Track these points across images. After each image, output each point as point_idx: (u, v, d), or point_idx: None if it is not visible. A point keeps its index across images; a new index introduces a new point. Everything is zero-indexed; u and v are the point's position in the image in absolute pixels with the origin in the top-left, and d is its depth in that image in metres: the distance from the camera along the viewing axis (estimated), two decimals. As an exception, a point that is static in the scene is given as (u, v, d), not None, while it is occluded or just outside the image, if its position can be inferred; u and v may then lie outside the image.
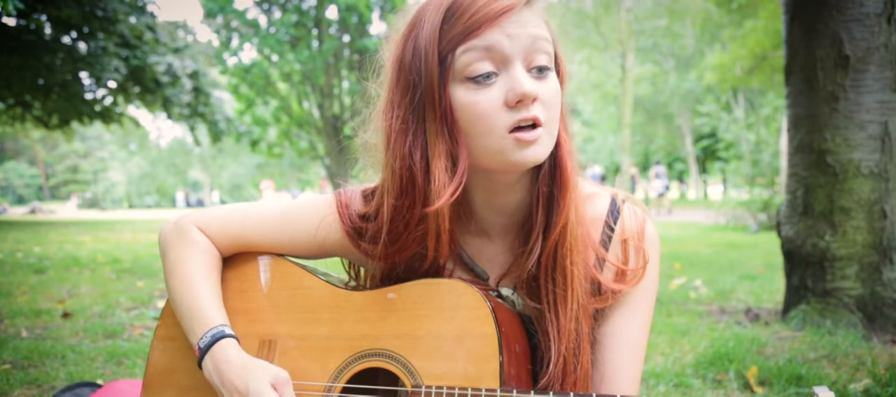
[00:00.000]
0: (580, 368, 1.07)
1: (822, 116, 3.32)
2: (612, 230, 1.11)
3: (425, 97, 0.97)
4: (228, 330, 1.11)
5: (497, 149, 0.97)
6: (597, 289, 1.10)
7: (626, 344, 1.11)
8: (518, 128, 0.96)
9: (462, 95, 0.96)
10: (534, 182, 1.07)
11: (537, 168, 1.04)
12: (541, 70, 0.97)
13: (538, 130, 0.96)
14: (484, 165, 1.02)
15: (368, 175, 1.17)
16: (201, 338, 1.09)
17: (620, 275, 1.10)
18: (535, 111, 0.95)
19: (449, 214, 1.03)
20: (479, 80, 0.95)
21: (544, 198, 1.05)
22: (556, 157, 1.04)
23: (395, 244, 1.07)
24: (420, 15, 0.99)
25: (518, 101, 0.94)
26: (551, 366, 1.05)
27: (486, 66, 0.95)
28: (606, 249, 1.11)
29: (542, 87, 0.97)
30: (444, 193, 0.97)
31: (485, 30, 0.93)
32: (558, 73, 1.03)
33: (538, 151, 0.97)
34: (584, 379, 1.07)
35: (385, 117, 1.03)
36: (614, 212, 1.12)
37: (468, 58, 0.94)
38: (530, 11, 0.97)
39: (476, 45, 0.94)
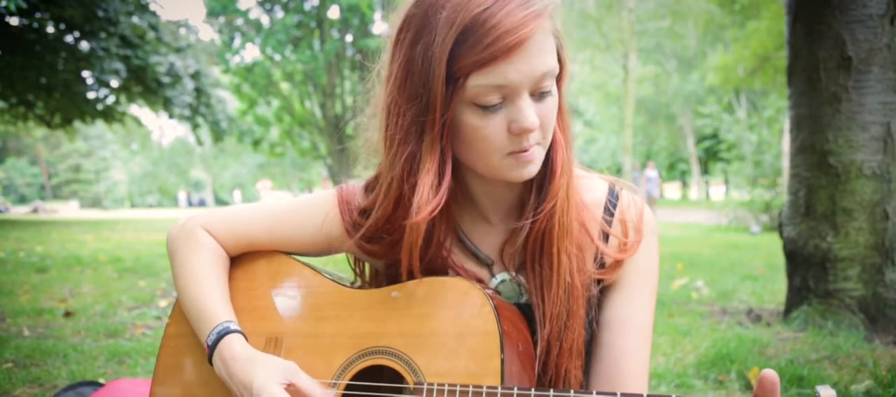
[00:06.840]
0: (562, 354, 1.09)
1: (825, 117, 3.32)
2: (612, 214, 1.15)
3: (428, 112, 0.99)
4: (234, 326, 1.12)
5: (495, 167, 1.01)
6: (600, 263, 1.13)
7: (633, 328, 1.13)
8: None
9: (467, 117, 0.98)
10: None
11: None
12: (544, 94, 0.99)
13: (534, 149, 1.00)
14: (480, 174, 1.06)
15: (369, 171, 1.19)
16: (208, 335, 1.11)
17: (622, 246, 1.13)
18: (533, 139, 0.99)
19: (441, 211, 1.04)
20: (487, 108, 0.97)
21: (536, 183, 1.09)
22: (548, 148, 1.06)
23: (383, 245, 1.12)
24: (432, 20, 0.96)
25: (520, 132, 0.97)
26: (538, 350, 1.08)
27: (494, 99, 0.96)
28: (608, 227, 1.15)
29: (542, 108, 0.99)
30: (424, 209, 1.00)
31: (499, 63, 0.93)
32: (560, 72, 1.04)
33: (533, 168, 1.01)
34: (569, 360, 1.09)
35: (388, 120, 1.04)
36: (613, 197, 1.16)
37: (478, 90, 0.95)
38: (542, 32, 0.96)
39: (488, 80, 0.94)
